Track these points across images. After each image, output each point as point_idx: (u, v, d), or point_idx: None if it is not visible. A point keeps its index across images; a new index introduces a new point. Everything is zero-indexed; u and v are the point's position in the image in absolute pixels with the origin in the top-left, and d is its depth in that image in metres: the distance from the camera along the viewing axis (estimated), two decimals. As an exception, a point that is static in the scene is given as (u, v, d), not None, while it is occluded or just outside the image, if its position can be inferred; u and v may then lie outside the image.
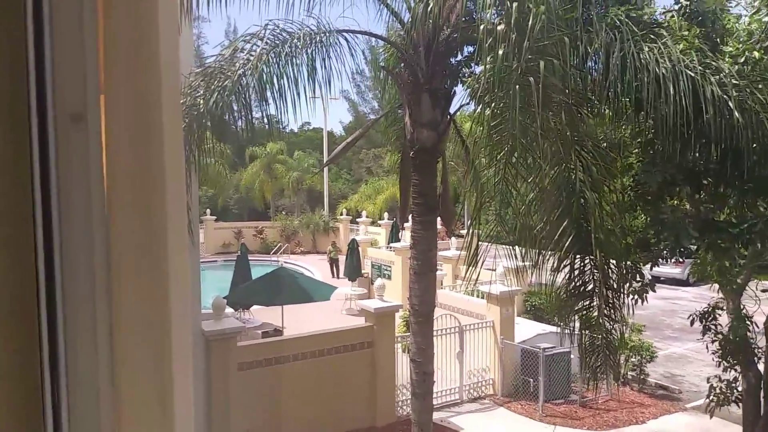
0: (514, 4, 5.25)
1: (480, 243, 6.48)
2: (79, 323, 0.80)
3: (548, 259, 6.66)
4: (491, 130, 5.87)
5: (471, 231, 6.36)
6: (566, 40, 5.39)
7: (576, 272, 6.85)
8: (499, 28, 5.32)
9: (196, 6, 6.84)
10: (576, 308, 6.98)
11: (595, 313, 6.87)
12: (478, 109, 5.91)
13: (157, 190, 0.83)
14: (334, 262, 25.72)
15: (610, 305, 6.80)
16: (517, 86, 5.28)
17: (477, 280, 6.53)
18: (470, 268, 6.36)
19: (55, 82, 0.79)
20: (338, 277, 23.89)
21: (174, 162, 0.85)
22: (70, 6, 0.79)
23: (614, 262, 6.71)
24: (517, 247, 6.74)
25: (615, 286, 6.81)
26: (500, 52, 5.24)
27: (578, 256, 6.77)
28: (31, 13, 0.76)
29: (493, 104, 5.73)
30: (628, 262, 7.62)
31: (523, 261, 6.74)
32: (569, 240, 6.48)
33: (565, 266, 6.74)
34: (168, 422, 0.83)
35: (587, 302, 6.92)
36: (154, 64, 0.82)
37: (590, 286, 6.85)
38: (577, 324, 7.13)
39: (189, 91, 6.73)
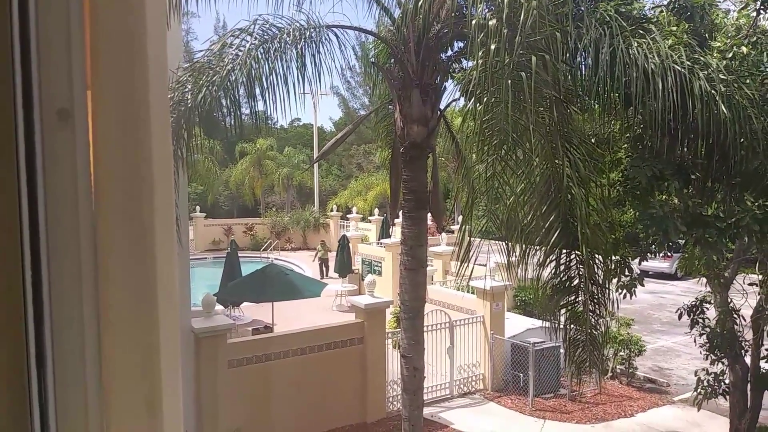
0: (506, 0, 5.25)
1: (471, 238, 6.49)
2: (66, 322, 0.79)
3: (534, 254, 6.68)
4: (482, 124, 5.88)
5: (463, 227, 6.37)
6: (557, 36, 5.40)
7: (562, 267, 6.87)
8: (490, 23, 5.32)
9: (185, 1, 6.79)
10: (561, 303, 7.01)
11: (581, 309, 6.89)
12: (470, 104, 5.91)
13: (145, 186, 0.82)
14: (323, 262, 24.11)
15: (595, 300, 6.82)
16: (509, 82, 5.29)
17: (470, 276, 6.55)
18: (462, 264, 6.37)
19: (41, 78, 0.77)
20: (328, 276, 23.38)
21: (162, 158, 0.84)
22: (57, 1, 0.78)
23: (600, 257, 6.74)
24: (506, 242, 6.76)
25: (600, 281, 6.84)
26: (492, 47, 5.24)
27: (564, 251, 6.79)
28: (17, 8, 0.75)
29: (485, 99, 5.73)
30: (617, 257, 7.66)
31: (512, 256, 6.76)
32: (556, 235, 6.50)
33: (551, 261, 6.76)
34: (157, 421, 0.82)
35: (572, 297, 6.94)
36: (141, 59, 0.81)
37: (576, 281, 6.87)
38: (563, 319, 7.16)
39: (177, 87, 6.69)
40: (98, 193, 0.80)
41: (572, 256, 6.82)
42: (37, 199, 0.77)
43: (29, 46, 0.76)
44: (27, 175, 0.77)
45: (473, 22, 5.47)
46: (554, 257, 6.77)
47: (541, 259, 6.68)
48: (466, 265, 6.36)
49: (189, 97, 6.61)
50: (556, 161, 6.19)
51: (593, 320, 6.87)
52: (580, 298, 6.83)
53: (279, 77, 6.69)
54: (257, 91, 6.62)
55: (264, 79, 6.61)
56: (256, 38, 6.73)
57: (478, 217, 7.01)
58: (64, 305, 0.79)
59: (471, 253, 6.38)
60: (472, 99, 5.80)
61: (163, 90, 0.86)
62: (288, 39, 6.78)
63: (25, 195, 0.76)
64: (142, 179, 0.82)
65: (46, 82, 0.78)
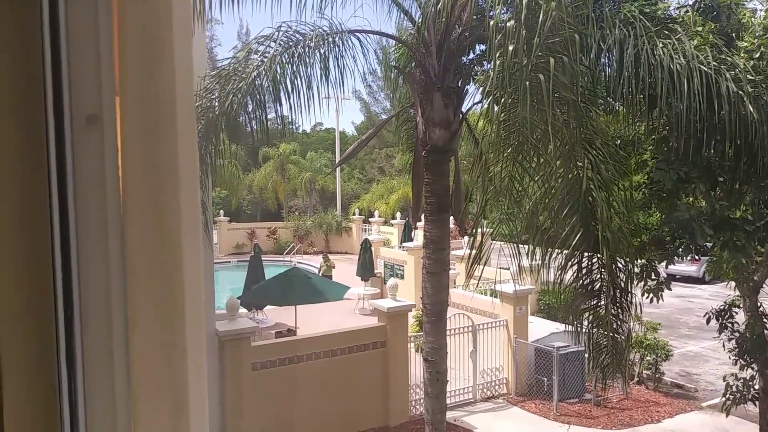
0: (524, 1, 5.22)
1: (492, 241, 6.47)
2: (95, 324, 0.81)
3: (555, 258, 6.62)
4: (500, 127, 5.85)
5: (475, 229, 6.36)
6: (576, 38, 5.35)
7: (584, 271, 6.80)
8: (508, 24, 5.30)
9: (209, 8, 6.88)
10: (583, 307, 6.93)
11: (603, 313, 6.80)
12: (485, 105, 5.90)
13: (172, 190, 0.83)
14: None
15: (618, 305, 6.73)
16: (527, 83, 5.26)
17: (481, 277, 6.51)
18: (474, 265, 6.36)
19: (71, 84, 0.79)
20: None
21: (188, 163, 0.85)
22: (85, 9, 0.80)
23: (622, 261, 6.65)
24: (528, 245, 6.72)
25: (623, 285, 6.75)
26: (510, 48, 5.22)
27: (586, 254, 6.72)
28: (47, 17, 0.77)
29: (502, 101, 5.70)
30: (643, 260, 7.56)
31: (534, 260, 6.71)
32: (577, 238, 6.44)
33: (572, 265, 6.70)
34: (183, 422, 0.83)
35: (594, 301, 6.86)
36: (168, 65, 0.82)
37: (597, 285, 6.79)
38: (586, 323, 7.07)
39: (204, 93, 6.78)
40: (126, 197, 0.82)
41: (594, 260, 6.74)
42: (67, 203, 0.79)
43: (59, 53, 0.78)
44: (57, 179, 0.79)
45: (491, 23, 5.45)
46: (576, 260, 6.70)
47: (562, 263, 6.62)
48: (477, 266, 6.35)
49: (216, 103, 6.69)
50: (578, 163, 6.14)
51: (616, 324, 6.78)
52: (602, 302, 6.76)
53: (303, 82, 6.75)
54: (282, 96, 6.69)
55: (289, 84, 6.68)
56: (280, 44, 6.80)
57: (500, 220, 6.98)
58: (93, 307, 0.81)
59: (482, 254, 6.36)
60: (490, 101, 5.79)
61: (189, 95, 0.88)
62: (311, 44, 6.84)
63: (56, 199, 0.78)
64: (169, 183, 0.83)
65: (76, 88, 0.80)
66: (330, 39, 7.02)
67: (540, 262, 6.60)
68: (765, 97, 6.09)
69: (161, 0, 0.82)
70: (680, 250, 7.31)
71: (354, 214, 34.25)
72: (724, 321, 8.77)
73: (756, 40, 6.67)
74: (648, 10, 6.57)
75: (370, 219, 32.27)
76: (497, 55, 5.38)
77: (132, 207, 0.82)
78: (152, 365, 0.83)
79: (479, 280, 6.63)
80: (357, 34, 7.33)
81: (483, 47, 7.87)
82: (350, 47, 7.17)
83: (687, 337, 16.82)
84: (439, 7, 6.75)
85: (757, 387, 8.64)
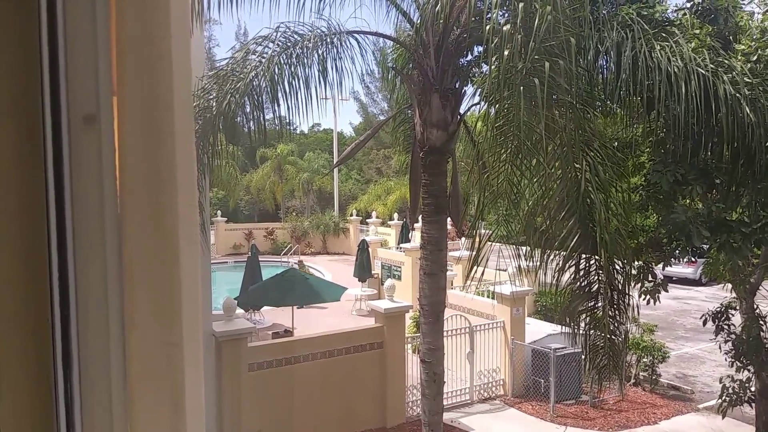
0: (521, 5, 5.23)
1: (490, 243, 6.47)
2: (91, 323, 0.81)
3: (552, 260, 6.62)
4: (496, 130, 5.86)
5: (474, 231, 6.37)
6: (572, 41, 5.35)
7: (581, 273, 6.80)
8: (505, 28, 5.30)
9: (207, 9, 6.88)
10: (580, 309, 6.93)
11: (600, 314, 6.81)
12: (482, 109, 5.91)
13: (169, 190, 0.83)
14: None
15: (615, 306, 6.74)
16: (522, 87, 5.25)
17: (481, 278, 6.52)
18: (473, 267, 6.36)
19: (68, 84, 0.79)
20: None
21: (185, 163, 0.85)
22: (83, 8, 0.80)
23: (620, 263, 6.66)
24: (525, 247, 6.73)
25: (620, 287, 6.75)
26: (506, 52, 5.22)
27: (583, 256, 6.72)
28: (45, 16, 0.77)
29: (498, 105, 5.71)
30: (640, 262, 7.57)
31: (531, 261, 6.72)
32: (575, 240, 6.44)
33: (570, 266, 6.70)
34: (179, 423, 0.83)
35: (591, 303, 6.86)
36: (165, 65, 0.82)
37: (595, 287, 6.79)
38: (583, 324, 7.08)
39: (201, 94, 6.78)
40: (123, 197, 0.82)
41: (592, 261, 6.75)
42: (63, 203, 0.79)
43: (57, 52, 0.78)
44: (54, 179, 0.78)
45: (487, 27, 5.45)
46: (573, 262, 6.71)
47: (560, 264, 6.62)
48: (475, 267, 6.35)
49: (213, 104, 6.69)
50: (576, 165, 6.15)
51: (613, 326, 6.79)
52: (599, 304, 6.76)
53: (301, 82, 6.74)
54: (279, 96, 6.68)
55: (286, 84, 6.67)
56: (278, 45, 6.80)
57: (498, 222, 6.98)
58: (90, 307, 0.81)
59: (481, 256, 6.36)
60: (486, 104, 5.80)
61: (187, 95, 0.88)
62: (309, 45, 6.84)
63: (52, 199, 0.78)
64: (166, 183, 0.83)
65: (73, 88, 0.80)
66: (328, 40, 7.01)
67: (538, 263, 6.60)
68: (762, 99, 6.11)
69: (159, 0, 0.82)
70: (677, 251, 7.32)
71: (351, 215, 34.26)
72: (721, 323, 8.79)
73: (753, 43, 6.68)
74: (646, 13, 6.58)
75: (367, 220, 32.28)
76: (493, 59, 5.38)
77: (129, 207, 0.82)
78: (149, 365, 0.83)
79: (477, 281, 6.62)
80: (355, 35, 7.33)
81: (481, 48, 7.88)
82: (348, 48, 7.17)
83: (683, 339, 16.85)
84: (437, 8, 6.75)
85: (753, 389, 8.66)
